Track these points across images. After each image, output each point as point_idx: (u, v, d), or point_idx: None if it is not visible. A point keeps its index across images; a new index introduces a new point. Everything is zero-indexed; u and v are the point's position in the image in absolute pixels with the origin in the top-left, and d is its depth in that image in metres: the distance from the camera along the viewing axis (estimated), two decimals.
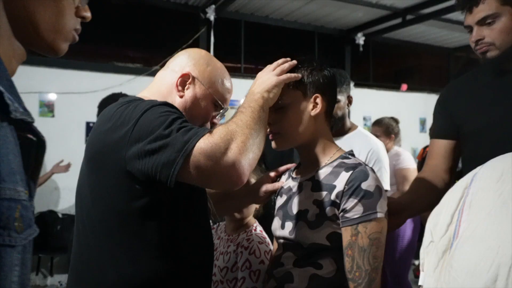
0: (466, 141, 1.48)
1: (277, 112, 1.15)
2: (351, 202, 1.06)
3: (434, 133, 1.59)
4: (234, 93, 4.89)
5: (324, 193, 1.11)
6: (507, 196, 0.81)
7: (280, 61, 1.17)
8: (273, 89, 1.09)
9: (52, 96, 4.49)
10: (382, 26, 5.73)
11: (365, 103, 6.17)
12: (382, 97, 6.37)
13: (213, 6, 4.98)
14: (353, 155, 1.20)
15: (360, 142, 2.14)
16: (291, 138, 1.17)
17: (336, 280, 1.09)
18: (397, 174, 3.49)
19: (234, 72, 5.60)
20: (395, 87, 6.56)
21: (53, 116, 4.48)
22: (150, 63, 5.03)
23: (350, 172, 1.09)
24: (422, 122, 6.69)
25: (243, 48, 5.60)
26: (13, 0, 0.60)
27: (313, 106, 1.16)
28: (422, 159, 3.91)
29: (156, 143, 0.93)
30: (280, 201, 1.28)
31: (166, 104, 1.02)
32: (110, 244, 1.03)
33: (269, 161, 2.61)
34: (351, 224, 1.06)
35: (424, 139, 6.36)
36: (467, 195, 0.89)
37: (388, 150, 3.77)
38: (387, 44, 6.46)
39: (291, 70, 1.16)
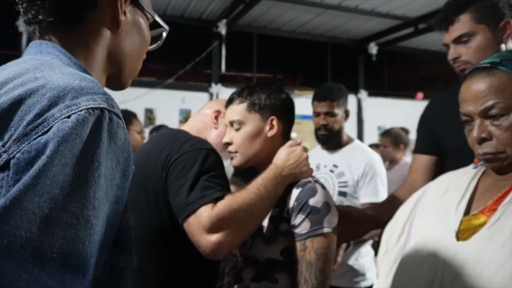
0: (447, 158, 1.51)
1: (236, 133, 1.24)
2: (299, 218, 1.11)
3: (416, 148, 1.62)
4: None
5: (278, 209, 1.17)
6: (448, 208, 0.84)
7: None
8: (286, 156, 1.19)
9: None
10: (394, 35, 5.73)
11: (379, 113, 6.15)
12: (397, 106, 6.33)
13: (224, 21, 5.10)
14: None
15: (357, 156, 2.17)
16: (248, 157, 1.24)
17: None
18: None
19: (247, 83, 5.69)
20: (411, 95, 6.51)
21: None
22: (164, 77, 5.17)
23: (300, 189, 1.14)
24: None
25: (256, 60, 5.69)
26: (116, 40, 0.68)
27: (270, 128, 1.24)
28: None
29: (186, 181, 1.11)
30: None
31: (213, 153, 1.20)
32: (153, 255, 1.20)
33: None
34: (300, 239, 1.11)
35: None
36: (417, 207, 0.93)
37: (397, 161, 3.75)
38: (401, 53, 6.44)
39: (250, 94, 1.26)
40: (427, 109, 1.61)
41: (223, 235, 1.03)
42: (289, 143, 1.24)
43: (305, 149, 1.23)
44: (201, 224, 1.03)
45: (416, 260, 0.82)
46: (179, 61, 5.18)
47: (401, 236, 0.92)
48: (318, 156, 2.20)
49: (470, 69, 1.30)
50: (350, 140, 2.25)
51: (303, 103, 5.75)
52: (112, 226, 0.54)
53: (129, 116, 2.50)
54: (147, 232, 1.19)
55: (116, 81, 0.72)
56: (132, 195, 1.23)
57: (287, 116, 1.28)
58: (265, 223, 1.18)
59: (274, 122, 1.23)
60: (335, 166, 2.15)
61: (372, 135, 6.06)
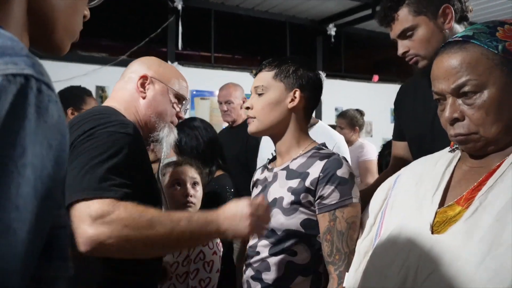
0: (409, 145, 1.52)
1: (258, 98, 1.23)
2: (327, 189, 1.12)
3: (393, 135, 1.66)
4: (207, 83, 4.81)
5: (298, 180, 1.16)
6: (422, 198, 0.80)
7: (260, 211, 1.05)
8: (231, 235, 1.02)
9: None
10: (353, 17, 5.72)
11: (337, 95, 6.18)
12: (354, 88, 6.40)
13: None
14: (326, 147, 1.27)
15: (323, 138, 2.13)
16: (265, 125, 1.23)
17: (310, 266, 1.15)
18: (360, 166, 3.51)
19: (205, 62, 5.52)
20: (367, 78, 6.59)
21: None
22: (116, 53, 4.91)
23: (325, 160, 1.15)
24: (393, 113, 6.74)
25: (214, 38, 5.52)
26: None
27: (291, 99, 1.23)
28: (380, 151, 3.95)
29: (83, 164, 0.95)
30: (255, 191, 1.35)
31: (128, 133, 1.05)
32: None
33: (233, 154, 2.58)
34: (329, 210, 1.11)
35: None
36: (389, 196, 0.88)
37: (352, 142, 3.79)
38: (359, 35, 6.47)
39: (280, 64, 1.24)
40: (397, 95, 1.62)
41: (104, 234, 0.88)
42: (247, 202, 1.04)
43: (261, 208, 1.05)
44: (87, 213, 0.89)
45: (388, 255, 0.77)
46: (132, 37, 4.92)
47: (372, 226, 0.87)
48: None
49: (422, 61, 1.35)
50: (314, 121, 2.21)
51: None
52: (42, 229, 0.43)
53: (81, 94, 2.30)
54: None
55: (46, 43, 0.59)
56: None
57: (311, 94, 1.27)
58: (284, 194, 1.17)
59: (297, 94, 1.23)
60: None
61: (330, 116, 6.10)
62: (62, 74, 4.31)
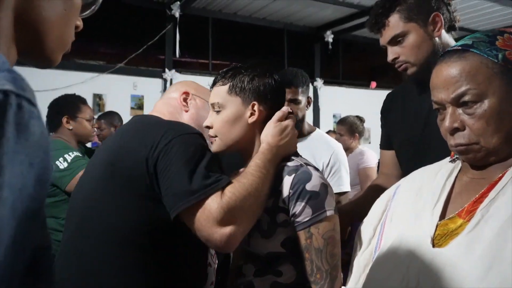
0: (397, 152, 1.51)
1: (216, 115, 1.17)
2: (298, 206, 1.06)
3: (380, 144, 1.63)
4: None
5: (271, 200, 1.10)
6: (421, 210, 0.78)
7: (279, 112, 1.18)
8: (278, 135, 1.12)
9: None
10: (350, 24, 5.74)
11: (334, 101, 6.18)
12: (351, 94, 6.40)
13: (178, 3, 4.88)
14: (297, 155, 1.20)
15: (321, 146, 2.12)
16: (227, 143, 1.17)
17: (297, 284, 1.09)
18: (361, 173, 3.49)
19: (202, 69, 5.52)
20: (365, 84, 6.60)
21: None
22: (114, 60, 4.90)
23: (293, 175, 1.08)
24: (381, 121, 6.74)
25: (211, 45, 5.52)
26: (27, 1, 0.52)
27: (251, 114, 1.16)
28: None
29: (183, 168, 0.98)
30: None
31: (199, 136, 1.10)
32: (117, 255, 1.03)
33: (234, 162, 2.54)
34: (303, 227, 1.06)
35: None
36: (389, 208, 0.86)
37: (352, 149, 3.76)
38: (357, 42, 6.49)
39: (233, 76, 1.17)
40: (383, 103, 1.60)
41: (236, 225, 0.95)
42: (278, 116, 1.16)
43: (294, 121, 1.19)
44: (212, 216, 0.94)
45: (388, 268, 0.75)
46: (130, 44, 4.92)
47: (371, 239, 0.85)
48: None
49: (411, 68, 1.35)
50: (312, 129, 2.19)
51: None
52: (21, 252, 0.40)
53: (76, 102, 2.28)
54: (113, 233, 1.04)
55: (37, 55, 0.57)
56: (91, 191, 1.09)
57: (271, 102, 1.19)
58: (261, 215, 1.11)
59: (255, 108, 1.16)
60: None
61: (327, 123, 6.10)
62: (59, 82, 4.31)
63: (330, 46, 5.94)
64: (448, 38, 1.38)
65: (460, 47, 0.78)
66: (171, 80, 5.07)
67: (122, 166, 1.06)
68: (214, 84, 1.20)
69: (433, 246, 0.73)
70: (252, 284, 1.12)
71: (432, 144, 1.34)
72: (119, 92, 4.85)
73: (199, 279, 1.19)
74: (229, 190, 0.98)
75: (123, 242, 1.03)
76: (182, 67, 5.34)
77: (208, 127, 1.18)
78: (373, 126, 6.10)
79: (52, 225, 2.06)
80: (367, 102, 6.20)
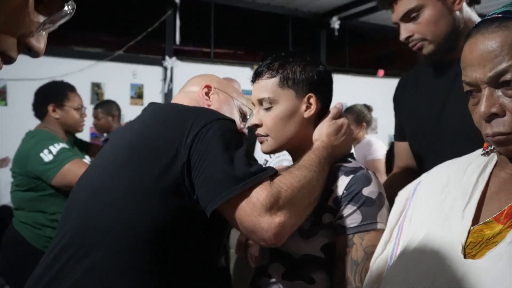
0: (409, 143, 1.39)
1: (266, 112, 1.06)
2: (349, 209, 0.96)
3: (394, 135, 1.50)
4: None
5: (320, 198, 1.00)
6: (449, 212, 0.64)
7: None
8: (334, 134, 1.05)
9: (3, 83, 4.20)
10: (357, 9, 5.54)
11: (341, 90, 5.99)
12: (358, 83, 6.22)
13: None
14: (353, 158, 1.10)
15: None
16: (281, 142, 1.07)
17: None
18: (369, 165, 3.33)
19: (204, 57, 5.37)
20: (372, 73, 6.41)
21: (5, 104, 4.20)
22: (112, 48, 4.76)
23: (351, 176, 0.99)
24: (394, 110, 6.58)
25: (213, 33, 5.36)
26: None
27: (307, 107, 1.05)
28: (389, 149, 3.78)
29: (223, 155, 0.89)
30: None
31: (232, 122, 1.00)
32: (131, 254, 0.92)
33: None
34: (346, 233, 0.96)
35: None
36: (408, 208, 0.73)
37: (359, 140, 3.61)
38: (364, 28, 6.29)
39: (282, 66, 1.06)
40: (395, 89, 1.46)
41: (286, 216, 0.85)
42: (333, 113, 1.07)
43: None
44: (260, 204, 0.84)
45: (408, 280, 0.62)
46: (130, 32, 4.77)
47: (387, 243, 0.72)
48: None
49: (427, 46, 1.19)
50: None
51: None
52: None
53: (64, 89, 2.14)
54: (127, 229, 0.92)
55: None
56: (102, 185, 0.97)
57: (326, 93, 1.09)
58: None
59: (312, 100, 1.05)
60: None
61: None
62: (56, 71, 4.17)
63: (336, 33, 5.75)
64: (470, 12, 1.23)
65: (500, 15, 0.63)
66: (171, 68, 4.92)
67: (146, 158, 0.95)
68: (257, 76, 1.08)
69: (465, 256, 0.59)
70: (278, 286, 1.03)
71: (447, 134, 1.21)
72: (118, 81, 4.70)
73: (209, 281, 1.08)
74: (279, 179, 0.89)
75: (136, 239, 0.92)
76: (183, 55, 5.19)
77: (257, 126, 1.07)
78: (381, 115, 5.93)
79: (39, 220, 1.95)
80: (374, 91, 6.03)
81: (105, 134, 3.63)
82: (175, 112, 1.02)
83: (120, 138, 1.09)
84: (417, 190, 0.74)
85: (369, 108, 3.85)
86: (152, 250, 0.92)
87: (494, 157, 0.69)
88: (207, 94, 1.19)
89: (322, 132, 1.04)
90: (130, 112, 4.12)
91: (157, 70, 4.93)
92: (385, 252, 0.72)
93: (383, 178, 3.42)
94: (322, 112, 1.08)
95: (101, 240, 0.92)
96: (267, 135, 1.07)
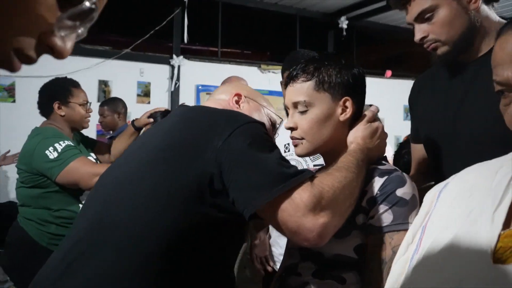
0: (424, 146, 1.36)
1: (301, 115, 1.07)
2: (381, 209, 0.98)
3: (410, 137, 1.49)
4: (214, 78, 4.63)
5: None
6: (477, 215, 0.60)
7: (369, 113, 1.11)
8: (369, 137, 1.06)
9: (12, 80, 4.19)
10: (365, 9, 5.50)
11: None
12: (366, 83, 6.18)
13: None
14: (386, 160, 1.11)
15: None
16: (316, 145, 1.07)
17: None
18: None
19: (211, 56, 5.34)
20: (380, 73, 6.36)
21: (14, 101, 4.20)
22: (119, 47, 4.74)
23: (385, 177, 1.01)
24: (407, 110, 6.51)
25: (221, 32, 5.33)
26: None
27: (342, 110, 1.06)
28: (397, 150, 3.73)
29: (258, 158, 0.89)
30: None
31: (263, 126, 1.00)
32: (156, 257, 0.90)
33: None
34: (377, 232, 0.97)
35: (408, 127, 6.20)
36: (433, 209, 0.69)
37: None
38: (372, 29, 6.24)
39: (317, 70, 1.07)
40: (411, 90, 1.43)
41: (330, 216, 0.85)
42: (368, 116, 1.08)
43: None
44: (304, 204, 0.84)
45: (431, 283, 0.58)
46: (137, 31, 4.76)
47: (410, 245, 0.68)
48: (287, 136, 1.96)
49: (442, 47, 1.16)
50: None
51: (270, 78, 5.49)
52: None
53: (67, 86, 2.11)
54: (151, 233, 0.91)
55: None
56: (132, 187, 0.95)
57: (360, 96, 1.10)
58: None
59: (348, 104, 1.06)
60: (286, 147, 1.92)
61: None
62: (64, 68, 4.16)
63: (344, 33, 5.70)
64: (488, 11, 1.19)
65: None
66: (178, 66, 4.90)
67: (173, 160, 0.93)
68: (292, 79, 1.09)
69: (494, 261, 0.55)
70: (309, 285, 1.03)
71: (464, 136, 1.17)
72: (125, 79, 4.68)
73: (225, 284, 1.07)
74: (320, 180, 0.89)
75: (154, 242, 0.90)
76: (190, 54, 5.17)
77: (292, 129, 1.08)
78: (388, 116, 5.89)
79: (44, 216, 1.93)
80: (382, 92, 5.98)
81: (111, 132, 3.61)
82: (205, 115, 1.03)
83: (149, 138, 1.08)
84: (443, 192, 0.70)
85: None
86: (166, 254, 0.90)
87: None
88: (237, 102, 1.19)
89: (357, 135, 1.05)
90: (136, 110, 4.10)
91: (164, 69, 4.91)
92: (406, 254, 0.68)
93: None
94: (356, 115, 1.08)
95: (117, 239, 0.90)
96: (302, 138, 1.07)
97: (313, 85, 1.05)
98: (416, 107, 1.38)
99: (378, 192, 0.98)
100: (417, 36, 1.19)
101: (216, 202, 0.91)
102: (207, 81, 4.99)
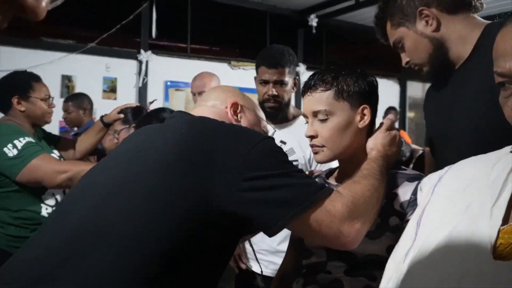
0: (430, 150, 1.40)
1: (321, 124, 1.11)
2: None
3: (425, 142, 1.55)
4: (183, 74, 4.51)
5: (384, 201, 1.05)
6: (475, 210, 0.58)
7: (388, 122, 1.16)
8: (388, 144, 1.11)
9: None
10: (335, 7, 5.54)
11: None
12: None
13: None
14: (405, 168, 1.19)
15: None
16: (337, 152, 1.12)
17: None
18: None
19: (180, 52, 5.23)
20: None
21: None
22: (84, 41, 4.57)
23: (415, 182, 1.06)
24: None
25: (190, 28, 5.23)
26: None
27: (361, 118, 1.12)
28: None
29: (276, 180, 0.88)
30: None
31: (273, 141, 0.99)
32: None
33: None
34: None
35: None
36: (428, 203, 0.67)
37: None
38: (342, 28, 6.30)
39: (336, 79, 1.11)
40: (425, 95, 1.48)
41: (362, 222, 0.90)
42: (387, 125, 1.13)
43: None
44: (339, 213, 0.88)
45: (429, 279, 0.55)
46: (103, 24, 4.59)
47: (406, 241, 0.65)
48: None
49: (424, 68, 1.24)
50: (298, 113, 1.98)
51: (241, 75, 5.43)
52: None
53: (28, 80, 1.97)
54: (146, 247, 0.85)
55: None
56: (130, 191, 0.91)
57: (375, 103, 1.16)
58: None
59: (366, 111, 1.12)
60: (282, 142, 1.88)
61: None
62: (25, 62, 3.96)
63: (314, 31, 5.72)
64: (460, 20, 1.20)
65: None
66: (146, 62, 4.76)
67: (181, 170, 0.90)
68: (309, 89, 1.14)
69: (495, 257, 0.53)
70: (341, 282, 1.07)
71: (455, 141, 1.22)
72: (91, 74, 4.51)
73: None
74: (348, 189, 0.94)
75: (150, 248, 0.84)
76: (157, 50, 5.04)
77: (312, 137, 1.13)
78: None
79: (2, 218, 1.80)
80: None
81: (75, 129, 3.47)
82: (219, 130, 0.97)
83: (148, 143, 1.01)
84: (438, 186, 0.68)
85: None
86: (163, 257, 0.85)
87: None
88: (235, 112, 1.15)
89: (377, 142, 1.10)
90: (102, 106, 3.96)
91: (131, 64, 4.77)
92: (401, 249, 0.65)
93: None
94: (373, 121, 1.15)
95: (109, 244, 0.84)
96: (322, 146, 1.11)
97: (333, 95, 1.10)
98: (425, 113, 1.46)
99: (412, 196, 1.03)
100: (403, 62, 1.29)
101: (221, 216, 0.89)
102: (176, 77, 4.89)
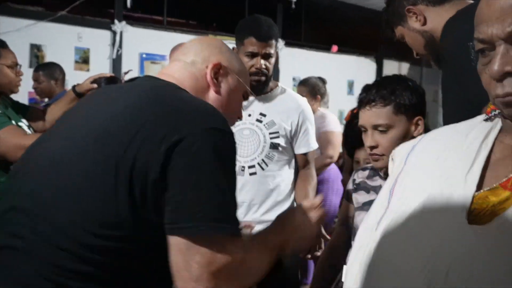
0: None
1: (381, 134, 1.24)
2: None
3: None
4: (159, 46, 4.38)
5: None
6: (450, 176, 0.59)
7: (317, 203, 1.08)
8: (303, 241, 1.06)
9: None
10: None
11: (295, 64, 5.99)
12: (312, 57, 6.22)
13: None
14: None
15: (288, 103, 1.95)
16: None
17: None
18: (321, 137, 3.31)
19: (156, 24, 5.09)
20: (326, 48, 6.42)
21: None
22: (54, 8, 4.37)
23: None
24: (350, 85, 6.66)
25: (167, 2, 5.08)
26: None
27: (415, 128, 1.26)
28: (348, 121, 3.80)
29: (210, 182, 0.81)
30: (365, 197, 1.36)
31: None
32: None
33: None
34: None
35: (351, 102, 6.33)
36: (401, 172, 0.67)
37: (313, 112, 3.60)
38: (321, 4, 6.25)
39: (393, 94, 1.24)
40: None
41: (224, 285, 0.80)
42: (309, 204, 1.07)
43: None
44: (209, 261, 0.76)
45: (403, 249, 0.56)
46: None
47: (377, 212, 0.65)
48: (254, 108, 1.90)
49: (430, 58, 1.39)
50: (275, 84, 1.98)
51: None
52: None
53: None
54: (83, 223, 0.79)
55: None
56: (70, 166, 0.84)
57: (425, 110, 1.29)
58: None
59: (420, 122, 1.25)
60: (262, 114, 1.88)
61: (287, 85, 5.89)
62: None
63: (293, 6, 5.66)
64: (447, 11, 1.29)
65: None
66: (121, 32, 4.61)
67: (113, 145, 0.82)
68: (368, 104, 1.24)
69: (469, 222, 0.54)
70: None
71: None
72: (61, 44, 4.33)
73: None
74: (251, 248, 0.86)
75: (88, 235, 0.79)
76: (133, 20, 4.89)
77: (373, 147, 1.24)
78: (333, 90, 5.95)
79: None
80: (328, 66, 6.05)
81: (46, 100, 3.36)
82: (168, 108, 0.86)
83: (98, 111, 0.92)
84: (411, 154, 0.68)
85: (323, 81, 3.86)
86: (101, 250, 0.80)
87: (498, 123, 0.63)
88: (215, 75, 1.01)
89: (293, 219, 1.05)
90: (74, 77, 3.83)
91: (105, 34, 4.60)
92: (371, 219, 0.65)
93: (336, 150, 3.46)
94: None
95: (50, 233, 0.79)
96: (382, 155, 1.23)
97: (392, 110, 1.23)
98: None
99: None
100: (414, 54, 1.47)
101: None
102: (151, 49, 4.76)
